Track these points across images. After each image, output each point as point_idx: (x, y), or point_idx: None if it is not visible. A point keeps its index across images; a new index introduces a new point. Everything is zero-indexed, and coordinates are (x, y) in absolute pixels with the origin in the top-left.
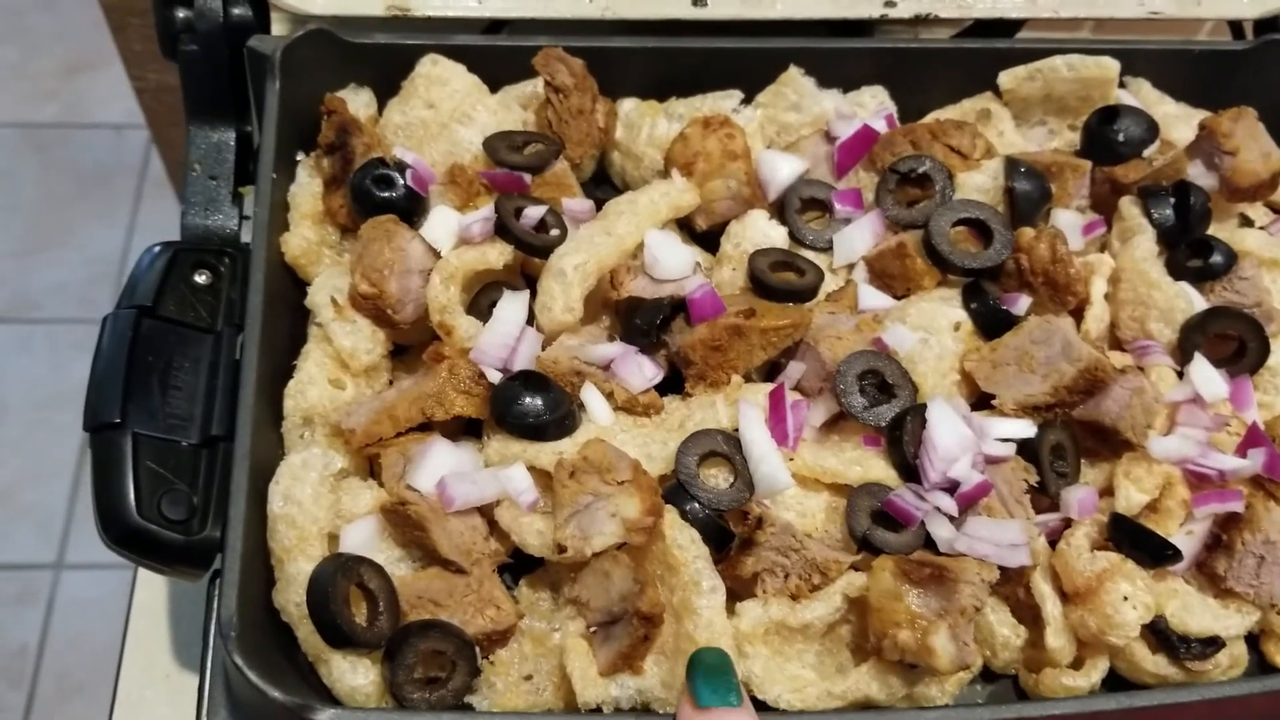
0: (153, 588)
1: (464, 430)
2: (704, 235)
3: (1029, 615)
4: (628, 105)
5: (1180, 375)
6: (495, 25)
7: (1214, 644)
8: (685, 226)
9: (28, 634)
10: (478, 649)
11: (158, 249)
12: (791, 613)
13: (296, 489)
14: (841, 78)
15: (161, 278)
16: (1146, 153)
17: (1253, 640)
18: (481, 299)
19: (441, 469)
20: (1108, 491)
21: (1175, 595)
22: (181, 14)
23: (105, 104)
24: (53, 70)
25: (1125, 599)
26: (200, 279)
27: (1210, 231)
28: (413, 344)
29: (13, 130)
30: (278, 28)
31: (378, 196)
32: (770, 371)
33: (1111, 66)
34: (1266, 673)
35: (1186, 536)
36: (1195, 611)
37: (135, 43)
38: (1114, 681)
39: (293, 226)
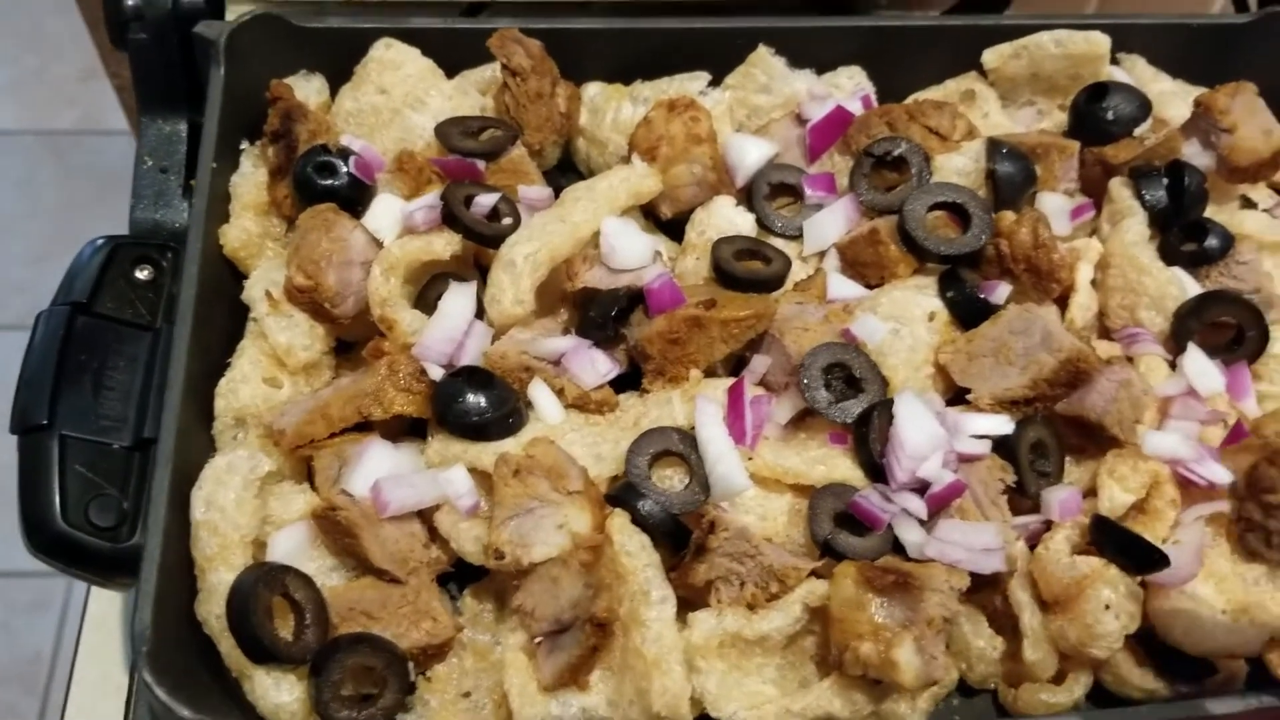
0: (105, 599)
1: (409, 431)
2: (670, 223)
3: (1008, 625)
4: (593, 89)
5: (1173, 366)
6: (475, 8)
7: (1205, 668)
8: (652, 215)
9: (42, 641)
10: (411, 664)
11: (99, 242)
12: (748, 624)
13: (219, 494)
14: (821, 58)
15: (99, 273)
16: (1138, 131)
17: None
18: (430, 291)
19: (377, 471)
20: (1096, 491)
21: (1181, 615)
22: (130, 2)
23: (122, 111)
24: (71, 77)
25: (1107, 607)
26: (142, 274)
27: (1209, 214)
28: (360, 340)
29: (32, 137)
30: (232, 13)
31: (319, 185)
32: (738, 366)
33: (1101, 42)
34: (1267, 685)
35: (1174, 547)
36: (1207, 630)
37: None
38: (1100, 697)
39: (233, 217)
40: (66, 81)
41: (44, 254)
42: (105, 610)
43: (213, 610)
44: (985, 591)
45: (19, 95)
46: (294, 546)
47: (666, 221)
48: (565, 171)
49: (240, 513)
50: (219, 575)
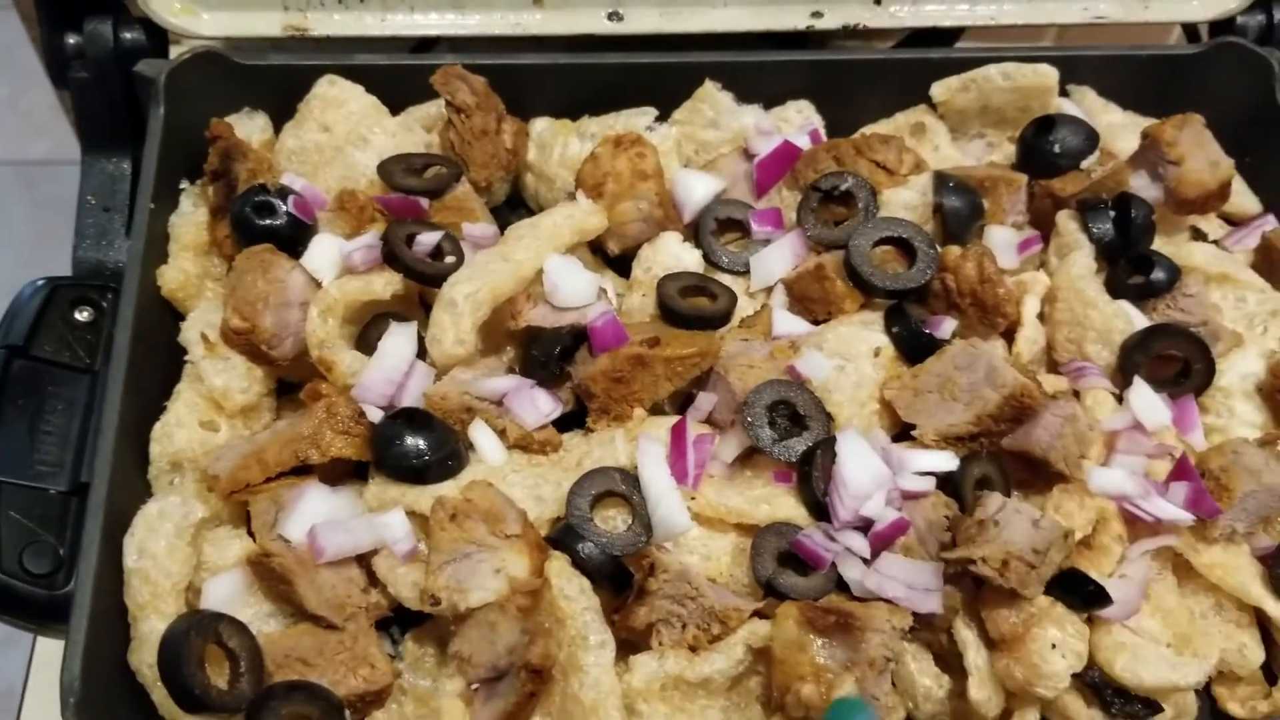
0: (54, 643)
1: (352, 474)
2: (619, 260)
3: (956, 663)
4: (540, 125)
5: (1120, 399)
6: (425, 44)
7: (1151, 707)
8: (601, 251)
9: (14, 676)
10: (349, 711)
11: (39, 283)
12: (690, 666)
13: (151, 541)
14: (770, 92)
15: (37, 315)
16: (1086, 164)
17: None
18: (372, 332)
19: (314, 516)
20: None
21: (1124, 649)
22: (71, 40)
23: None
24: (43, 107)
25: (1054, 647)
26: (81, 316)
27: (1159, 246)
28: (304, 381)
29: (3, 167)
30: (176, 52)
31: (257, 225)
32: (686, 404)
33: (1049, 74)
34: None
35: (1120, 580)
36: (1149, 663)
37: None
38: None
39: (171, 258)
40: (38, 111)
41: (16, 285)
42: (53, 652)
43: (145, 659)
44: (931, 629)
45: None
46: (229, 593)
47: (615, 258)
48: (515, 208)
49: (172, 560)
50: (151, 624)
